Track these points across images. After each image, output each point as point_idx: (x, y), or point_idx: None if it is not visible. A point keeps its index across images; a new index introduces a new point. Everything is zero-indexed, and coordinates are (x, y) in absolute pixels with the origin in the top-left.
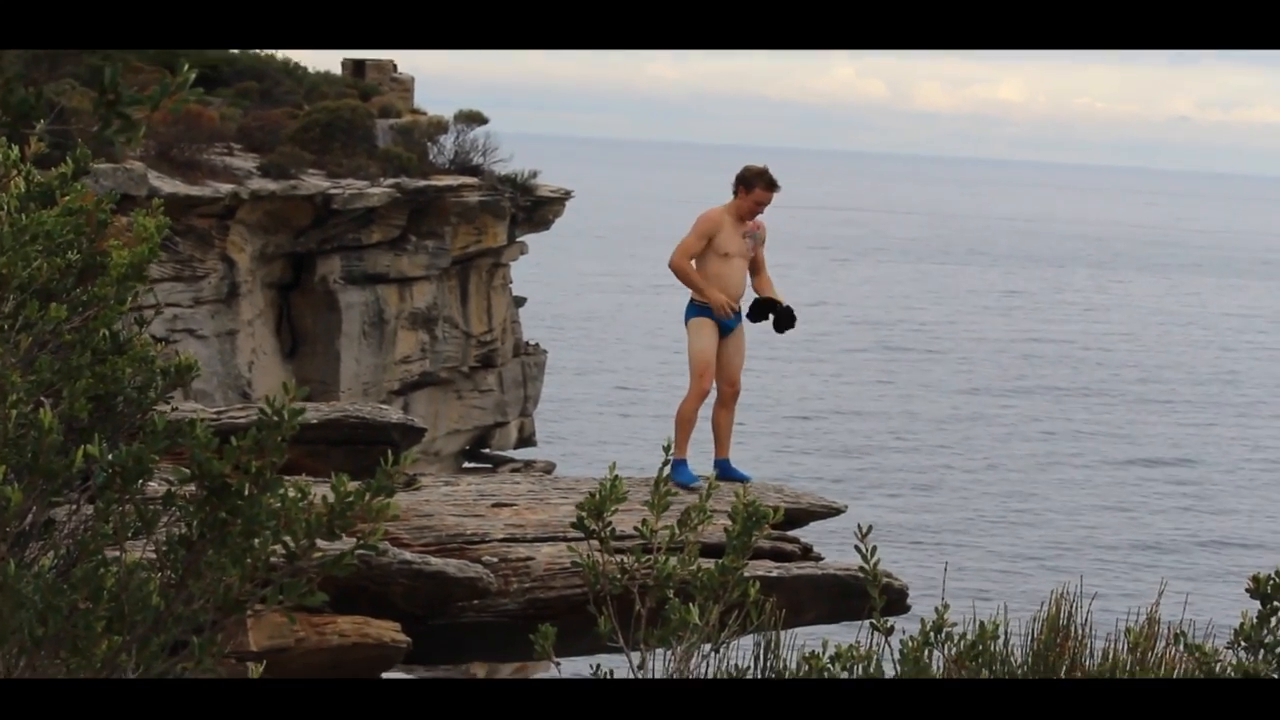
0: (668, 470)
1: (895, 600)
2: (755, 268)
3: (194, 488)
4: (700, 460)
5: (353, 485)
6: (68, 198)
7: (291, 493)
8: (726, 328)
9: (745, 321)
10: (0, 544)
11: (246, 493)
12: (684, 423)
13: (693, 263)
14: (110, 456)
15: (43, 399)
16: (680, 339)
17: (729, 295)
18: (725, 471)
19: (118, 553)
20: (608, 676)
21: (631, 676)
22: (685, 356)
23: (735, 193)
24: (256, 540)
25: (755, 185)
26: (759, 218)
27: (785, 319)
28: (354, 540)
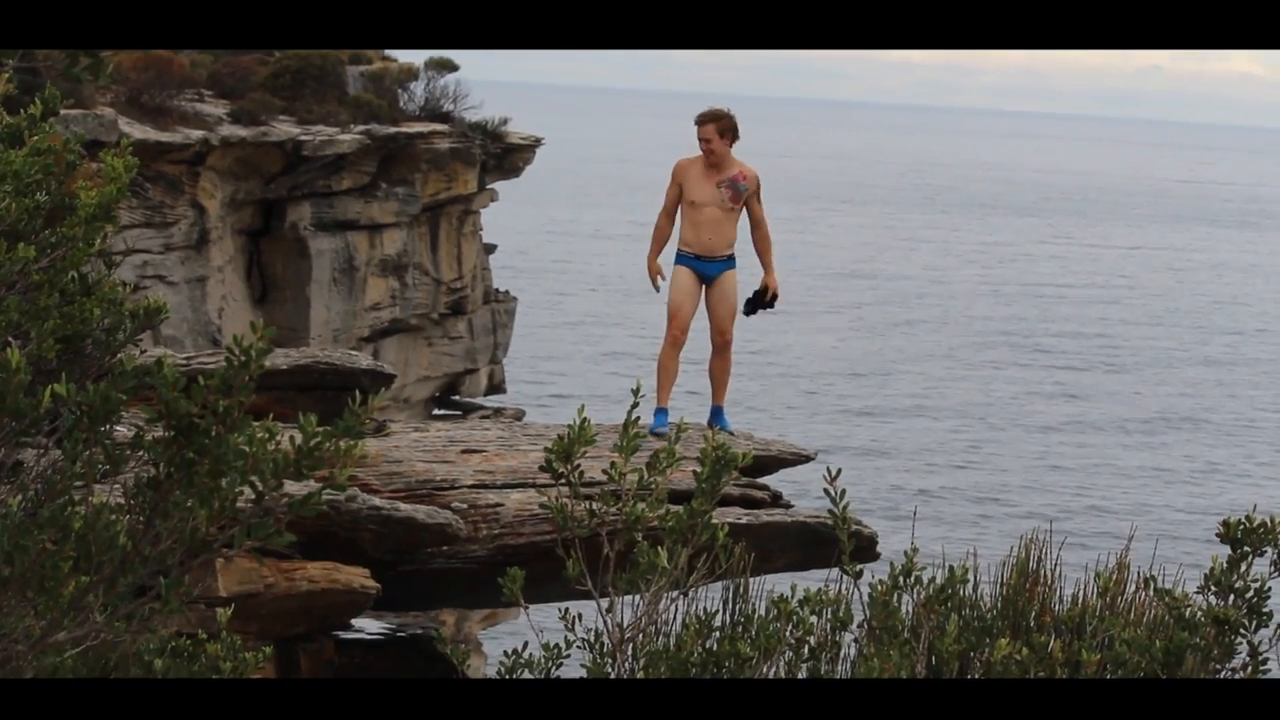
0: (638, 414)
1: (864, 547)
2: (753, 222)
3: (161, 429)
4: (683, 411)
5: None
6: (36, 138)
7: (259, 433)
8: (706, 275)
9: (729, 270)
10: None
11: (214, 433)
12: (658, 370)
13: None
14: (78, 397)
15: (10, 339)
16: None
17: (701, 243)
18: (714, 418)
19: (85, 494)
20: (599, 676)
21: (608, 649)
22: (661, 305)
23: None
24: (224, 480)
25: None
26: (749, 167)
27: (754, 303)
28: (321, 482)
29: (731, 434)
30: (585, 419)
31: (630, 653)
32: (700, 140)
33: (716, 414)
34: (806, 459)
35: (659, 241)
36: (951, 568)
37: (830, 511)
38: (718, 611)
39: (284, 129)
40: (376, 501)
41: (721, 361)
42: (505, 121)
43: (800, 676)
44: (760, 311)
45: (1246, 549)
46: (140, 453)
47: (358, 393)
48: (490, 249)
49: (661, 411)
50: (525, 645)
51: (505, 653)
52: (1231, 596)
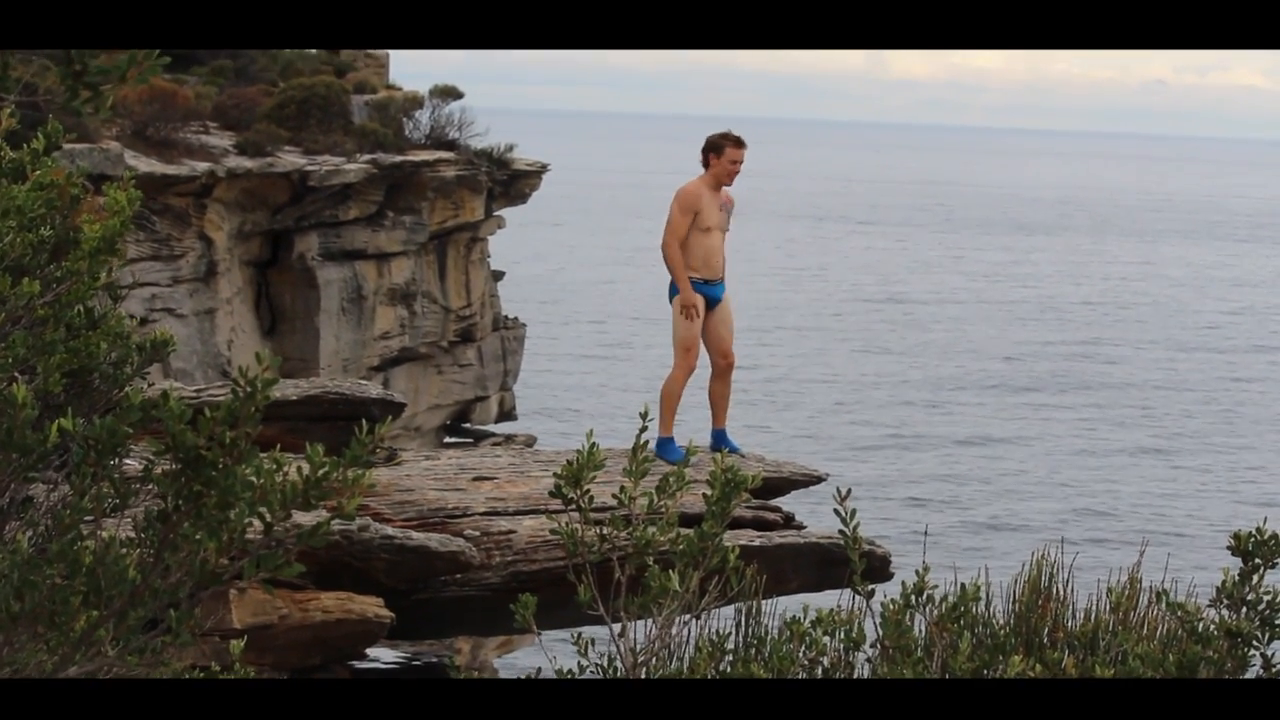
0: (651, 443)
1: (877, 568)
2: None
3: (169, 461)
4: (695, 433)
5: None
6: (39, 172)
7: (267, 464)
8: (713, 299)
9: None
10: None
11: (221, 464)
12: (670, 399)
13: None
14: (85, 431)
15: (17, 375)
16: (663, 311)
17: (712, 268)
18: (720, 441)
19: (95, 528)
20: (602, 676)
21: (621, 674)
22: (668, 330)
23: (706, 163)
24: (232, 512)
25: (725, 147)
26: (728, 191)
27: None
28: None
29: (742, 455)
30: (594, 444)
31: (643, 676)
32: (734, 163)
33: (721, 437)
34: (819, 480)
35: (686, 269)
36: (964, 585)
37: (841, 531)
38: (730, 634)
39: (290, 160)
40: (389, 530)
41: (723, 385)
42: (511, 148)
43: None
44: None
45: (1258, 561)
46: (149, 486)
47: (364, 421)
48: (498, 276)
49: (670, 440)
50: (539, 670)
51: (520, 679)
52: (1244, 609)
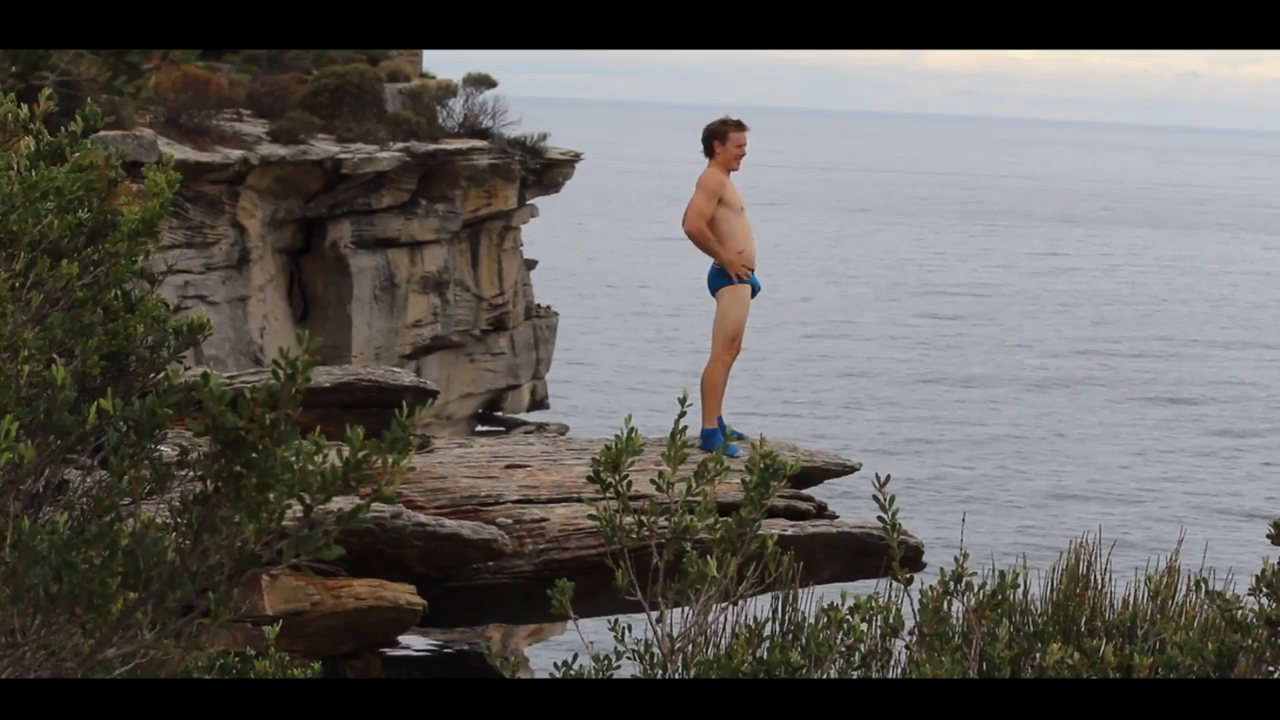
0: (693, 431)
1: (910, 558)
2: None
3: (208, 443)
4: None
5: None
6: (77, 155)
7: (306, 447)
8: (757, 288)
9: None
10: (14, 501)
11: (260, 446)
12: (715, 389)
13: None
14: (124, 412)
15: (55, 356)
16: (700, 301)
17: (748, 249)
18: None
19: (133, 510)
20: (611, 676)
21: (658, 660)
22: (698, 320)
23: (712, 152)
24: (271, 494)
25: (728, 132)
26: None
27: None
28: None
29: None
30: (633, 428)
31: (680, 663)
32: (739, 146)
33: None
34: (851, 469)
35: (715, 240)
36: (1002, 574)
37: (880, 518)
38: (768, 620)
39: (323, 147)
40: (422, 518)
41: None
42: (544, 137)
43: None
44: None
45: None
46: (185, 471)
47: (404, 405)
48: (531, 264)
49: (716, 431)
50: (575, 657)
51: (555, 665)
52: None
